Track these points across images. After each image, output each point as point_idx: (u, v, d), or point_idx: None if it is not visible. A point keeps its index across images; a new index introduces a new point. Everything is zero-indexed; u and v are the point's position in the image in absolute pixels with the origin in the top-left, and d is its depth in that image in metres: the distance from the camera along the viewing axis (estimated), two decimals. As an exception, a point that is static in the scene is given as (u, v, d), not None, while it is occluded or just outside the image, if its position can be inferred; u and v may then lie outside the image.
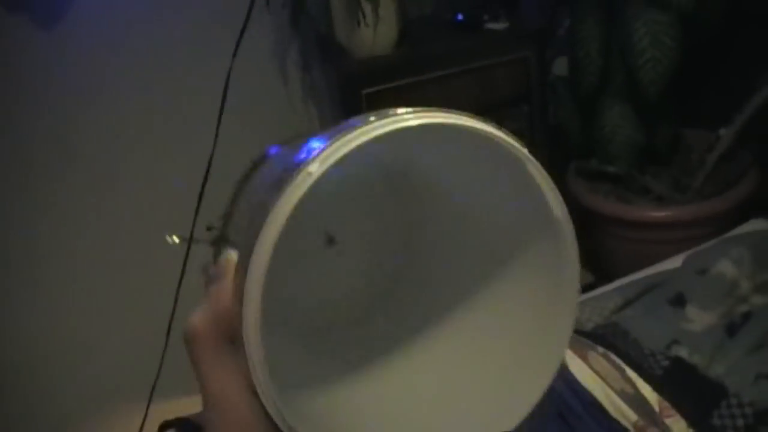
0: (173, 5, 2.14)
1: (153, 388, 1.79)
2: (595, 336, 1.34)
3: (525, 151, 0.44)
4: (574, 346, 1.26)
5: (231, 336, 0.44)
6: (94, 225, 2.23)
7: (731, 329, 1.36)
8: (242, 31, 1.78)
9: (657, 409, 1.20)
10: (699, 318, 1.38)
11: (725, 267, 1.46)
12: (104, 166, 2.20)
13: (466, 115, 0.42)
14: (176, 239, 0.71)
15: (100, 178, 2.20)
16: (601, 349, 1.29)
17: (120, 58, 2.13)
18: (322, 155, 0.39)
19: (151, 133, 2.22)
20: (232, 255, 0.46)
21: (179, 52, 2.17)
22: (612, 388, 1.20)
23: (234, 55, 1.76)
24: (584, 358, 1.24)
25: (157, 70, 2.17)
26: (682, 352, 1.31)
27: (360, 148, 0.40)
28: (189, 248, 1.17)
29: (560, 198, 0.45)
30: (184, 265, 1.56)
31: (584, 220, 2.35)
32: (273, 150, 0.55)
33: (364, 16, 2.05)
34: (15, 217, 2.15)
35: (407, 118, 0.41)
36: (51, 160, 2.14)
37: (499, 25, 2.22)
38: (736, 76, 2.26)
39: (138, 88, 2.16)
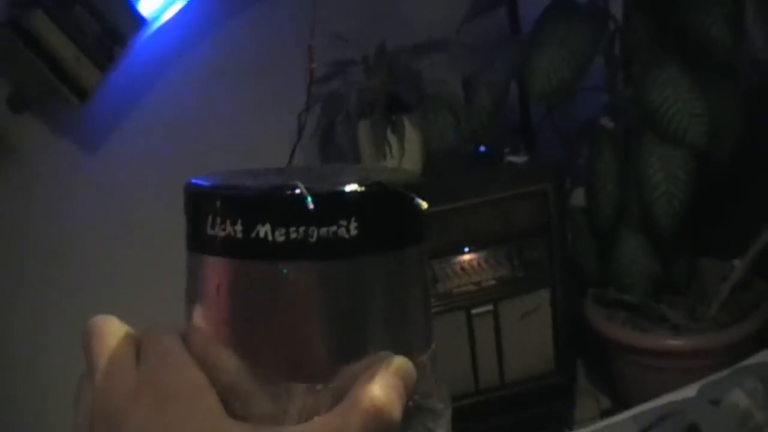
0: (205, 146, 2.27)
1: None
2: (611, 464, 1.36)
3: None
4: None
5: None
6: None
7: (745, 460, 1.37)
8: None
9: None
10: (713, 449, 1.40)
11: (738, 397, 1.48)
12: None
13: None
14: None
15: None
16: (617, 477, 1.30)
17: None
18: None
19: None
20: None
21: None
22: None
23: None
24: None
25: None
26: (697, 482, 1.32)
27: None
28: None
29: None
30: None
31: (601, 348, 2.38)
32: None
33: (390, 149, 2.13)
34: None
35: None
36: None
37: (520, 159, 2.30)
38: (749, 206, 2.32)
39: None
